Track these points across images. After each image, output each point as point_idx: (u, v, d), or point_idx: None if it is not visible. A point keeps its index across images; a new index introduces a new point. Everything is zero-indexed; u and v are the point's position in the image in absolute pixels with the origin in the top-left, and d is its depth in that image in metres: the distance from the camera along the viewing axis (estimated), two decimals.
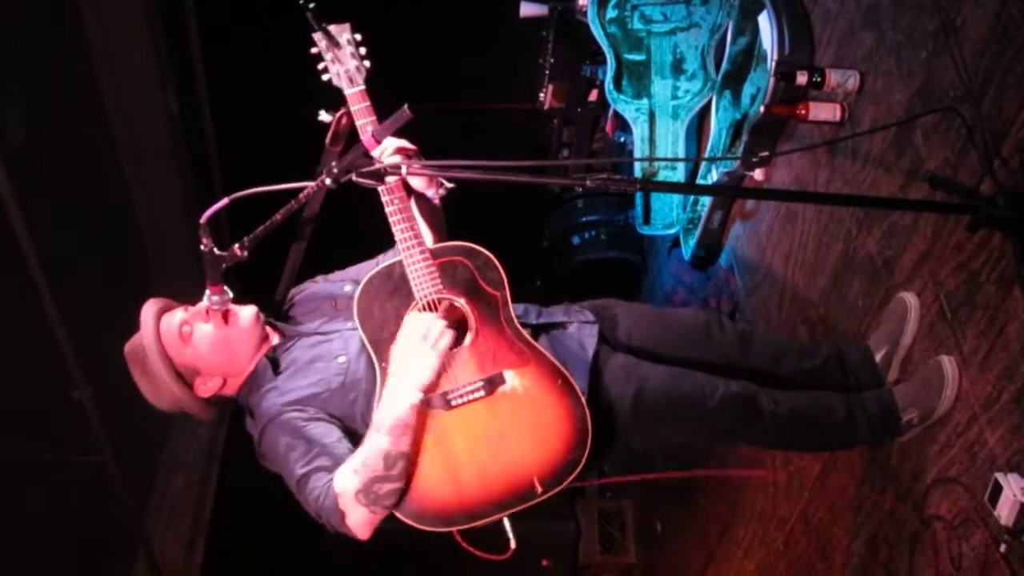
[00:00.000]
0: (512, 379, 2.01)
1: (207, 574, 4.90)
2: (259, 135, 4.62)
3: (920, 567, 2.35)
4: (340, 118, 2.06)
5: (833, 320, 2.88)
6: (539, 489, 1.96)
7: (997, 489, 1.99)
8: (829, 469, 2.90)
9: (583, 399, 2.01)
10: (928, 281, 2.34)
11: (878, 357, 2.44)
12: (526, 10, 4.23)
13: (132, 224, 4.89)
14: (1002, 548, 2.01)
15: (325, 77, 2.00)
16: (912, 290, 2.41)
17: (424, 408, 1.95)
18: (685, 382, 2.21)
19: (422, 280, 2.00)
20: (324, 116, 2.05)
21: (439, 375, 1.96)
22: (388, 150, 2.01)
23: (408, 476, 1.91)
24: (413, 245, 2.00)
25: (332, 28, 1.98)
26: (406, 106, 1.90)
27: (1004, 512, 1.97)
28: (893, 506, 2.50)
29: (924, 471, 2.33)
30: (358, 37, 2.01)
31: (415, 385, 1.92)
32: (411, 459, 1.91)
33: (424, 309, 2.01)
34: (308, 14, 1.88)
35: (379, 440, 1.87)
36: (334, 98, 2.02)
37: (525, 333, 2.05)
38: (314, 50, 1.99)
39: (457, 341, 2.02)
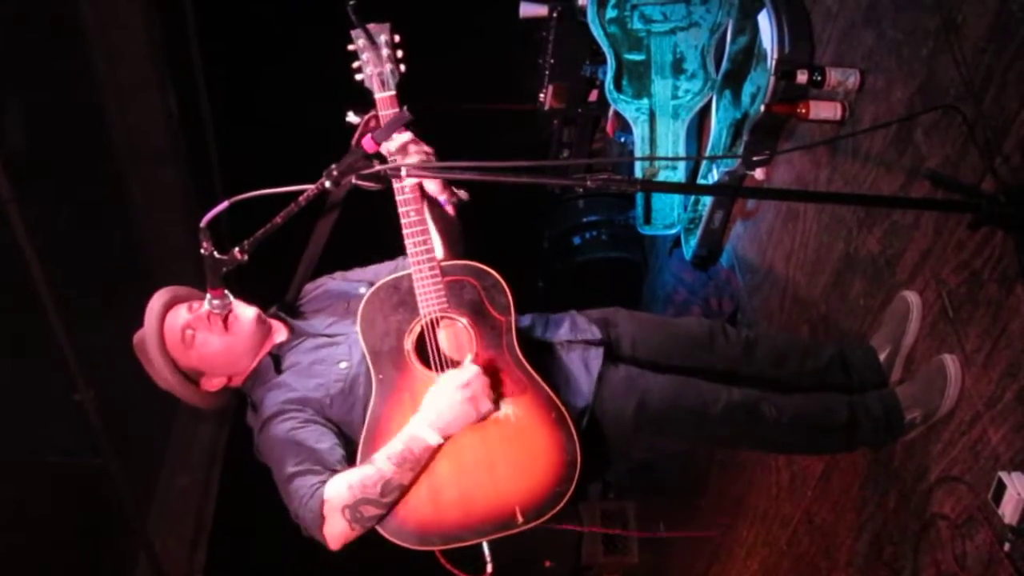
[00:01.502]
0: (506, 407, 1.99)
1: (210, 575, 4.91)
2: (260, 137, 4.62)
3: (924, 566, 2.35)
4: (368, 120, 2.00)
5: (835, 319, 2.88)
6: (520, 519, 1.96)
7: (1001, 488, 1.99)
8: (832, 468, 2.90)
9: (575, 435, 1.99)
10: (930, 280, 2.34)
11: (881, 357, 2.43)
12: (526, 10, 4.23)
13: (132, 226, 4.89)
14: (1006, 547, 2.01)
15: (358, 77, 1.94)
16: (914, 289, 2.40)
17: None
18: (687, 393, 2.21)
19: (428, 296, 1.98)
20: (352, 118, 2.00)
21: (461, 427, 1.95)
22: (399, 144, 1.97)
23: (396, 505, 1.92)
24: (423, 260, 1.97)
25: (372, 27, 1.92)
26: (405, 108, 1.90)
27: (1008, 511, 1.97)
28: (896, 505, 2.49)
29: (927, 470, 2.33)
30: (397, 39, 1.95)
31: (443, 431, 1.92)
32: (406, 493, 1.92)
33: (427, 326, 2.00)
34: (349, 9, 1.84)
35: (385, 467, 1.88)
36: (362, 99, 1.98)
37: (525, 361, 2.03)
38: (351, 47, 1.93)
39: (455, 363, 2.02)
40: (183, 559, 4.93)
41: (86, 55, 4.35)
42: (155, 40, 4.45)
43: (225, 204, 1.83)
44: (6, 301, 3.53)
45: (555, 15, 4.22)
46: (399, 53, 1.95)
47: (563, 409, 2.00)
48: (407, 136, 1.98)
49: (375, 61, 1.94)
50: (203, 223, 1.85)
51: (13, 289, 3.48)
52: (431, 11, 4.59)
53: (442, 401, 1.92)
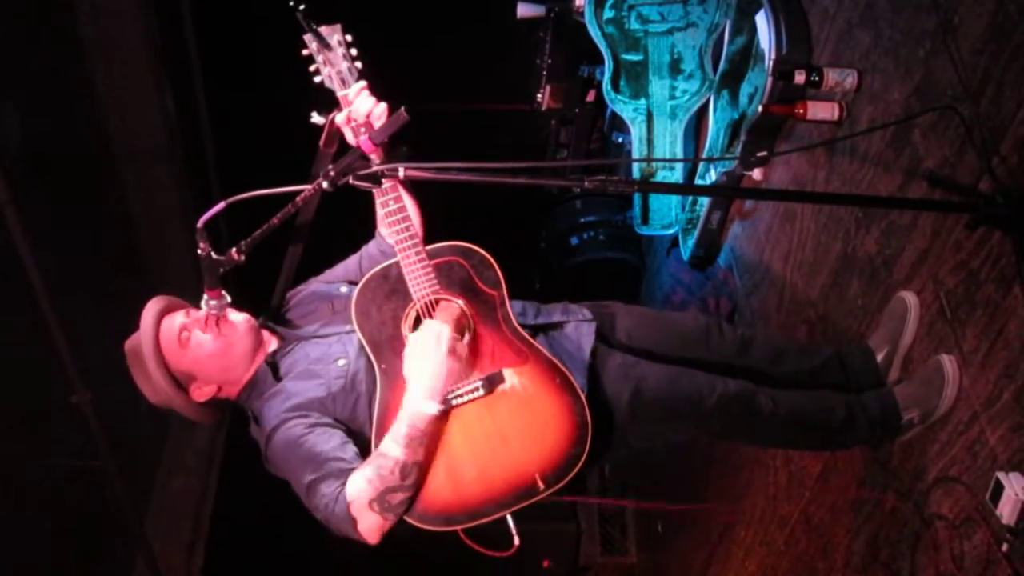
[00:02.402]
0: (511, 377, 2.00)
1: None
2: (257, 138, 4.61)
3: (922, 566, 2.35)
4: (333, 120, 2.04)
5: (832, 320, 2.88)
6: (541, 486, 1.96)
7: (999, 488, 1.99)
8: (830, 469, 2.90)
9: (582, 395, 2.00)
10: (928, 280, 2.34)
11: (878, 357, 2.44)
12: (523, 11, 4.23)
13: (130, 227, 4.88)
14: (1004, 547, 2.01)
15: (317, 79, 1.98)
16: (912, 289, 2.40)
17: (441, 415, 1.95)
18: (683, 382, 2.21)
19: (419, 281, 1.99)
20: (317, 118, 2.02)
21: (454, 382, 1.94)
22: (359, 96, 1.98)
23: (421, 483, 1.91)
24: (409, 246, 1.99)
25: (323, 29, 1.95)
26: (403, 108, 1.90)
27: (1006, 511, 1.97)
28: (894, 505, 2.49)
29: (925, 470, 2.33)
30: (349, 38, 1.98)
31: (431, 394, 1.90)
32: (425, 466, 1.91)
33: (422, 310, 2.01)
34: (298, 15, 1.87)
35: (395, 451, 1.86)
36: (327, 99, 2.00)
37: (523, 331, 2.06)
38: (305, 52, 1.97)
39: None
40: (180, 561, 4.92)
41: (83, 55, 4.35)
42: (153, 39, 4.44)
43: (222, 205, 1.83)
44: (3, 302, 3.52)
45: (552, 15, 4.22)
46: (353, 51, 1.98)
47: (567, 373, 2.01)
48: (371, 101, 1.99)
49: (331, 61, 1.97)
50: (200, 224, 1.85)
51: (10, 290, 3.47)
52: (429, 11, 4.59)
53: (423, 367, 1.91)
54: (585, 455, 1.97)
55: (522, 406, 2.00)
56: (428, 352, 1.92)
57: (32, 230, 3.41)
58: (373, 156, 1.91)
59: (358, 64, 1.99)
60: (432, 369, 1.91)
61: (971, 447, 2.15)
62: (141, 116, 4.59)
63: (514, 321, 2.06)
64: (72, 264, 4.00)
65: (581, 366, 2.15)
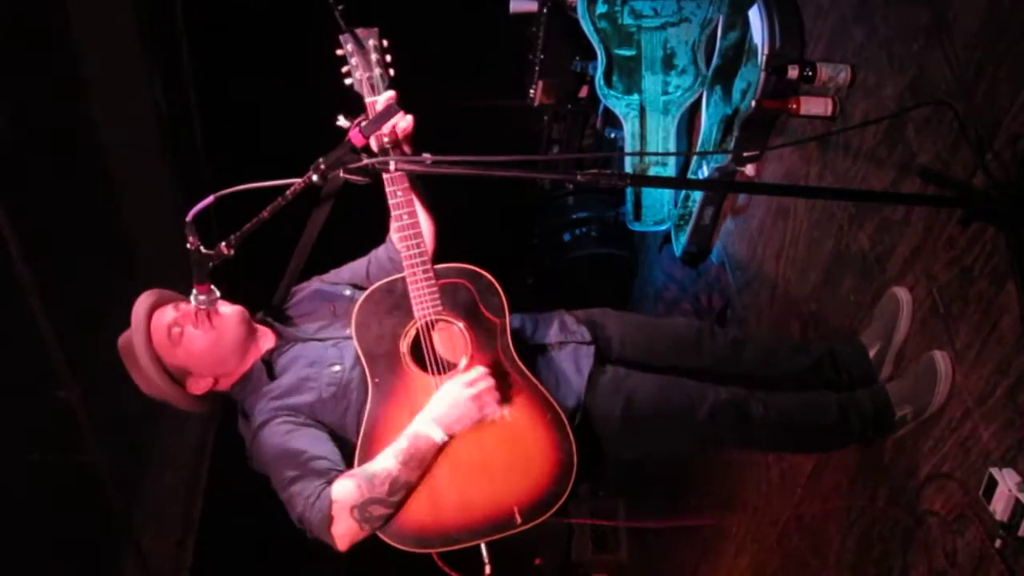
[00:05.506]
0: (503, 408, 2.00)
1: (197, 575, 4.88)
2: (248, 132, 4.59)
3: (914, 563, 2.35)
4: (359, 124, 2.02)
5: (825, 316, 2.87)
6: (518, 520, 1.97)
7: (992, 484, 1.99)
8: (822, 466, 2.90)
9: (571, 434, 2.00)
10: (920, 276, 2.33)
11: (871, 353, 2.43)
12: (516, 6, 4.21)
13: (119, 221, 4.85)
14: (997, 543, 2.00)
15: (347, 81, 1.97)
16: (904, 285, 2.40)
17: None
18: (674, 393, 2.21)
19: (423, 299, 1.99)
20: (343, 122, 1.99)
21: (463, 427, 1.96)
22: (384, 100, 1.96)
23: (402, 506, 1.92)
24: (417, 264, 1.98)
25: (360, 31, 1.94)
26: (395, 101, 1.88)
27: (999, 507, 1.97)
28: (886, 503, 2.49)
29: (918, 467, 2.32)
30: (385, 43, 1.97)
31: (441, 424, 1.92)
32: (413, 492, 1.92)
33: (422, 329, 2.00)
34: (337, 14, 1.85)
35: (392, 465, 1.88)
36: (351, 102, 1.98)
37: (519, 362, 2.05)
38: (339, 52, 1.95)
39: (451, 365, 2.02)
40: (170, 559, 4.90)
41: (73, 48, 4.32)
42: (144, 34, 4.41)
43: (211, 199, 1.82)
44: None
45: (545, 10, 4.20)
46: (388, 57, 1.96)
47: (558, 409, 2.01)
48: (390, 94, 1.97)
49: (364, 65, 1.96)
50: (189, 217, 1.83)
51: None
52: (421, 6, 4.57)
53: (448, 398, 1.93)
54: (567, 493, 1.98)
55: (510, 438, 2.00)
56: (456, 388, 1.94)
57: (19, 222, 3.39)
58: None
59: (391, 71, 1.97)
60: (452, 402, 1.93)
61: (964, 443, 2.14)
62: (131, 109, 4.56)
63: (512, 351, 2.05)
64: (61, 257, 3.98)
65: (577, 389, 2.15)
